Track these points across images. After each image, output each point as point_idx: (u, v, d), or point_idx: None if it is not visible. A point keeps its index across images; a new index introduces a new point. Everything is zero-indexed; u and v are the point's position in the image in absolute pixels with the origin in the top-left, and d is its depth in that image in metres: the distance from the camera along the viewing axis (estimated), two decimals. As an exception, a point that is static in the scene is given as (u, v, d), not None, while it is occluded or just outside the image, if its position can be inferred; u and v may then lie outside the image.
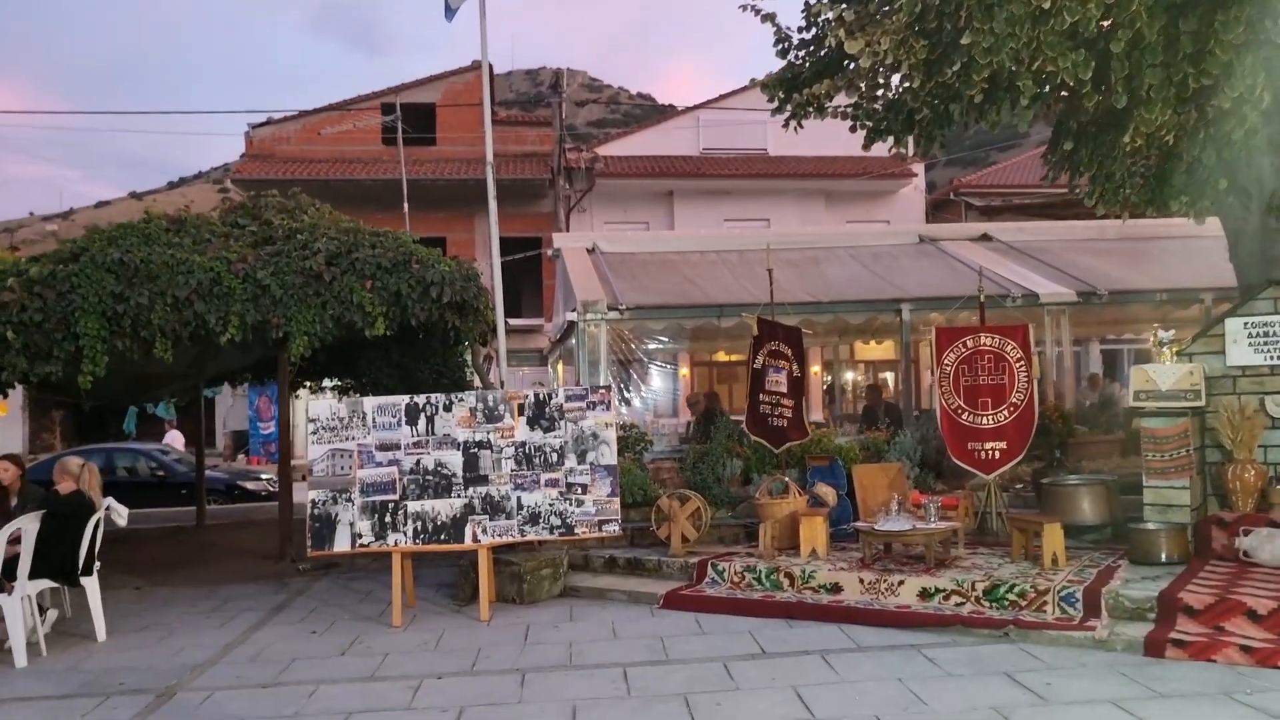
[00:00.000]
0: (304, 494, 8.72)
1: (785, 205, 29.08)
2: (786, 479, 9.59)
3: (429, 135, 28.95)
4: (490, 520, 8.19)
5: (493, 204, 11.15)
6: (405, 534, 8.13)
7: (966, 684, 5.91)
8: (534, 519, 8.22)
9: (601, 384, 8.71)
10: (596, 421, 8.46)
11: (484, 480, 8.28)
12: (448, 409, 8.43)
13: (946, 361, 9.54)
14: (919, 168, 32.49)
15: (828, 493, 9.59)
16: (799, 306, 12.02)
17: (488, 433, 8.38)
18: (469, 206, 26.98)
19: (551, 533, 8.22)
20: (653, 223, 29.23)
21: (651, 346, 13.67)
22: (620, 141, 33.36)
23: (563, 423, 8.44)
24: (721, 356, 22.99)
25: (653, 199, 29.85)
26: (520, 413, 8.45)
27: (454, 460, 8.31)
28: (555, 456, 8.36)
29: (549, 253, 14.48)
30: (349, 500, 8.17)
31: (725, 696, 5.86)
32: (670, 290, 12.99)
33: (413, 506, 8.19)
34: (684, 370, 25.80)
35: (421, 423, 8.38)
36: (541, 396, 8.52)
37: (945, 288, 12.83)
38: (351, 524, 8.12)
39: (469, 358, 11.29)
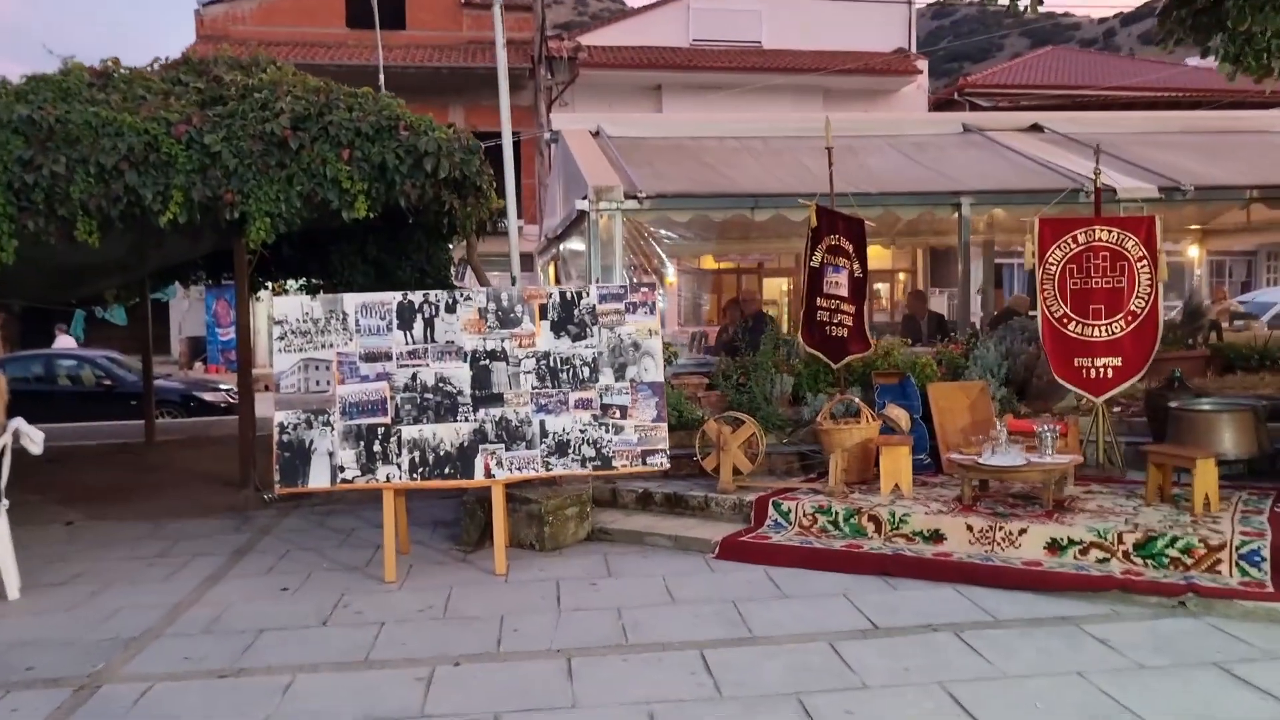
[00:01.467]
0: (269, 407, 6.98)
1: (781, 102, 27.02)
2: (856, 400, 7.98)
3: (398, 18, 26.51)
4: (507, 450, 6.51)
5: (503, 79, 9.19)
6: (399, 467, 6.44)
7: (1170, 681, 4.40)
8: (561, 449, 6.56)
9: (644, 282, 7.00)
10: (638, 328, 6.75)
11: (498, 400, 6.57)
12: (451, 310, 6.67)
13: (1051, 260, 7.89)
14: (923, 64, 30.60)
15: (900, 416, 8.00)
16: (843, 199, 10.32)
17: (502, 340, 6.65)
18: (443, 97, 24.78)
19: (584, 466, 6.57)
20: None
21: (673, 244, 11.89)
22: (603, 31, 31.02)
23: (596, 329, 6.72)
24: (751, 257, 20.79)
25: (639, 93, 27.78)
26: (542, 316, 6.71)
27: (460, 375, 6.59)
28: (587, 371, 6.66)
29: (545, 136, 12.58)
30: (327, 424, 6.45)
31: (853, 700, 4.30)
32: (694, 178, 11.18)
33: (408, 432, 6.48)
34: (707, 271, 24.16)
35: (418, 327, 6.62)
36: (569, 296, 6.78)
37: (1007, 180, 11.20)
38: (331, 454, 6.42)
39: (467, 255, 9.46)
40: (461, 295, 6.70)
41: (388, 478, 6.42)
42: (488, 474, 6.48)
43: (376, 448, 6.45)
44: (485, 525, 7.19)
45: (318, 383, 6.51)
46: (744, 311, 11.74)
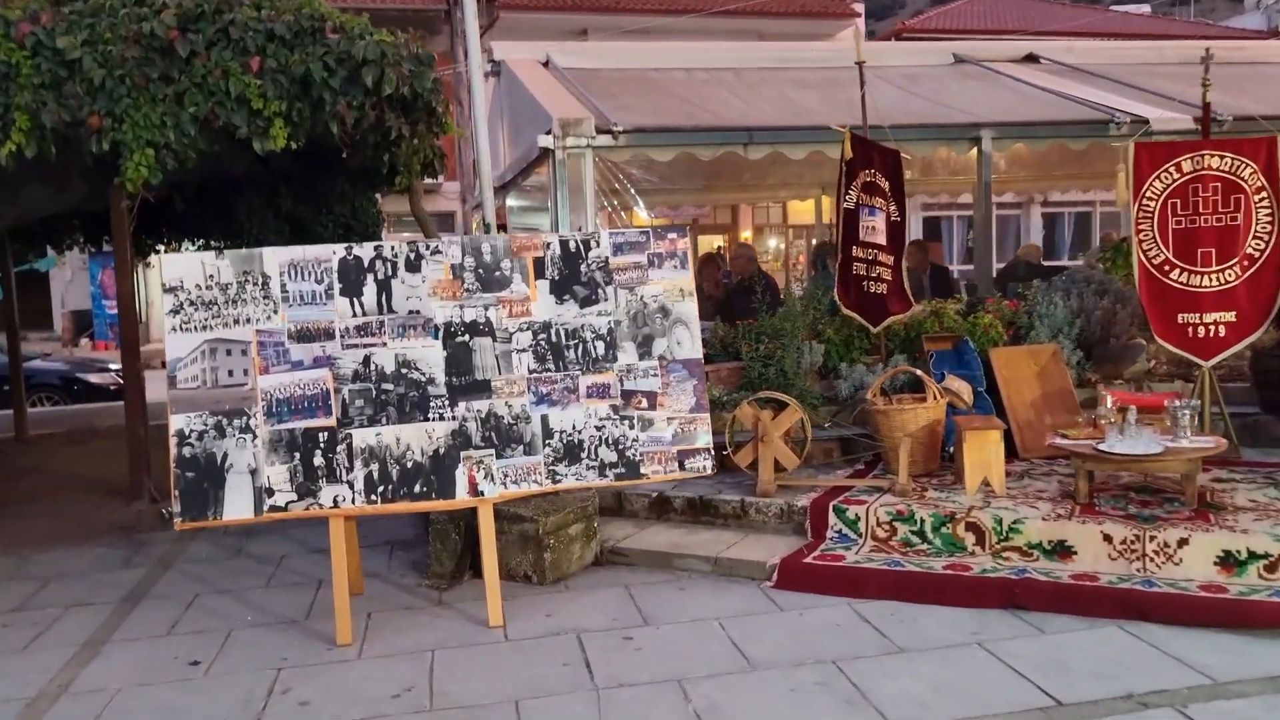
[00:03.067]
0: (165, 391, 5.12)
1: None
2: (917, 371, 6.43)
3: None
4: (498, 458, 4.78)
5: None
6: (351, 486, 4.66)
7: None
8: (570, 453, 4.85)
9: (672, 230, 5.29)
10: (666, 287, 5.06)
11: (483, 390, 4.83)
12: (414, 267, 4.88)
13: (1149, 195, 6.42)
14: (860, 6, 29.32)
15: (962, 389, 6.49)
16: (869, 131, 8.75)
17: (485, 308, 4.90)
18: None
19: (602, 475, 4.88)
20: (571, 62, 25.21)
21: (650, 191, 10.16)
22: (525, -31, 28.92)
23: (611, 290, 5.01)
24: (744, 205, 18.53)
25: (563, 38, 25.80)
26: (538, 274, 4.97)
27: (430, 356, 4.82)
28: (601, 347, 4.95)
29: (486, 68, 10.65)
30: (246, 430, 4.62)
31: None
32: (672, 111, 9.48)
33: (362, 437, 4.70)
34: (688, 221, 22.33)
35: (369, 292, 4.82)
36: (573, 245, 5.04)
37: (1026, 111, 9.79)
38: (253, 471, 4.60)
39: (411, 203, 7.58)
40: (427, 248, 4.91)
41: (336, 501, 4.63)
42: (473, 491, 4.74)
43: (318, 460, 4.65)
44: (462, 551, 5.47)
45: (230, 373, 4.67)
46: (736, 271, 10.07)
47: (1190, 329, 6.37)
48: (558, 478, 4.83)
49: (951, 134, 9.36)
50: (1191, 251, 6.35)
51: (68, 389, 15.89)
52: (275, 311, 4.73)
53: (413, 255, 4.88)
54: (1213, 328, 6.34)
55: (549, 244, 5.01)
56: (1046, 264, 12.78)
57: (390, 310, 4.81)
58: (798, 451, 6.07)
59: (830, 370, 7.25)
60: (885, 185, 7.24)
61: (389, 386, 4.76)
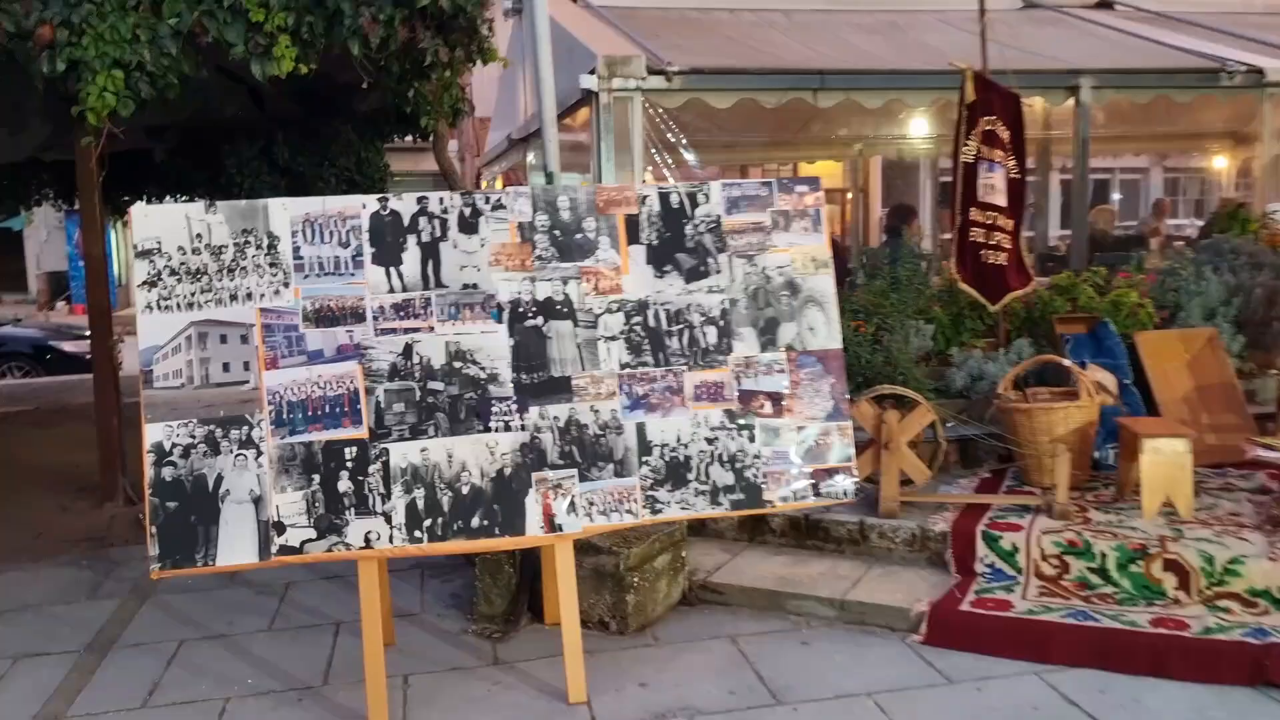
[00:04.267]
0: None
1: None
2: (1065, 361, 5.28)
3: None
4: (581, 480, 3.61)
5: None
6: (389, 518, 3.48)
7: None
8: (674, 474, 3.68)
9: (802, 182, 4.08)
10: (795, 256, 3.88)
11: (562, 390, 3.65)
12: (469, 226, 3.68)
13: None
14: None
15: (1107, 381, 5.36)
16: (939, 77, 7.56)
17: (564, 282, 3.71)
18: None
19: (715, 503, 3.72)
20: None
21: (705, 144, 8.90)
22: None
23: (724, 260, 3.82)
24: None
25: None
26: (631, 238, 3.78)
27: (492, 345, 3.63)
28: (713, 335, 3.78)
29: (507, 4, 9.36)
30: (248, 445, 3.44)
31: None
32: (731, 52, 8.27)
33: (403, 454, 3.52)
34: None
35: (411, 259, 3.62)
36: (675, 200, 3.84)
37: (1127, 59, 8.66)
38: (256, 499, 3.42)
39: (435, 153, 6.35)
40: (487, 200, 3.70)
41: (368, 540, 3.46)
42: (549, 525, 3.58)
43: (344, 485, 3.47)
44: (518, 587, 4.33)
45: (226, 368, 3.48)
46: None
47: (1394, 312, 5.24)
48: (658, 506, 3.67)
49: (1047, 82, 8.14)
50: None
51: (40, 358, 14.63)
52: (286, 284, 3.53)
53: (468, 210, 3.67)
54: None
55: (645, 197, 3.81)
56: (1119, 231, 11.59)
57: (439, 284, 3.62)
58: (926, 460, 4.93)
59: (936, 355, 6.09)
60: (1005, 136, 6.05)
61: (438, 386, 3.57)
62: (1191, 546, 4.13)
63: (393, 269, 3.59)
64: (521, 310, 3.66)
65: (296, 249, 3.55)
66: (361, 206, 3.61)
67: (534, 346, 3.65)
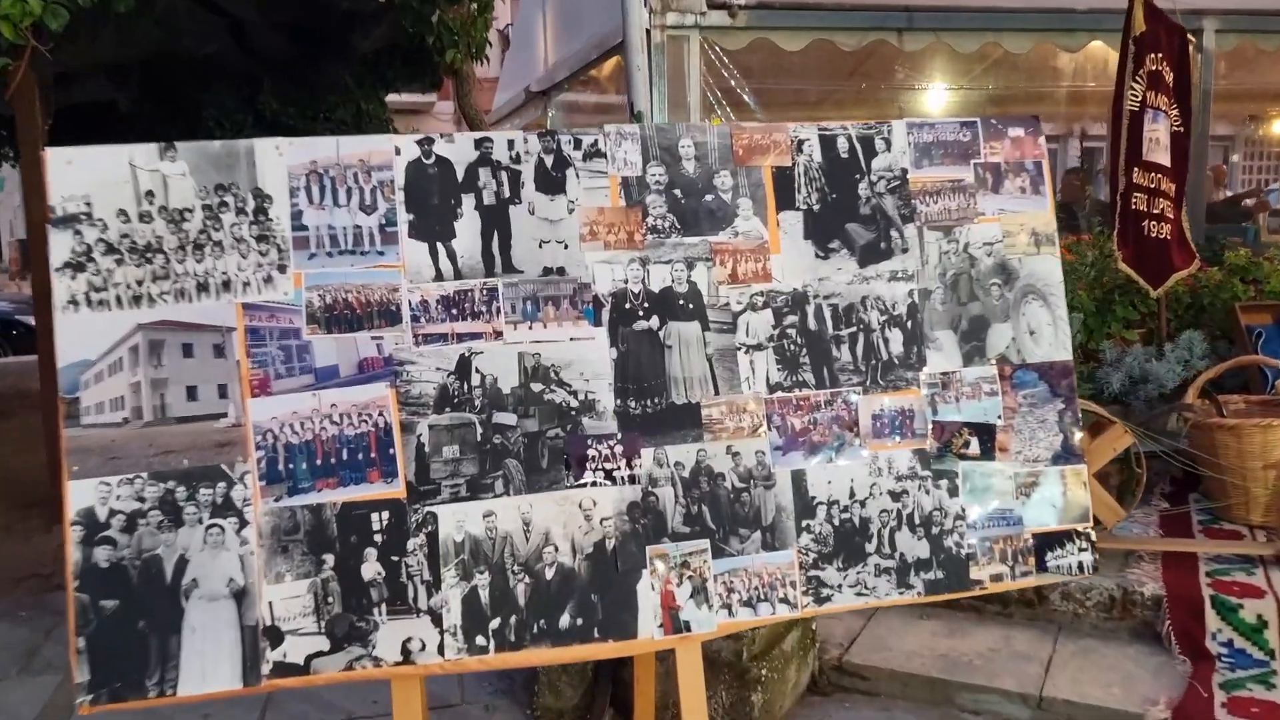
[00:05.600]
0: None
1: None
2: (1276, 361, 4.16)
3: None
4: (716, 556, 2.46)
5: None
6: (439, 619, 2.32)
7: None
8: (845, 544, 2.54)
9: (1017, 122, 2.93)
10: (1012, 228, 2.72)
11: (686, 422, 2.50)
12: (553, 182, 2.49)
13: None
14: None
15: (1310, 388, 4.24)
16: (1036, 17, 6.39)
17: (689, 265, 2.53)
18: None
19: (904, 585, 2.57)
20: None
21: (771, 96, 7.67)
22: None
23: (910, 232, 2.65)
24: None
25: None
26: (783, 200, 2.60)
27: (587, 357, 2.46)
28: (898, 340, 2.62)
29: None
30: (226, 509, 2.26)
31: None
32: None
33: (458, 521, 2.36)
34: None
35: (468, 229, 2.44)
36: (844, 145, 2.66)
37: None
38: (239, 591, 2.25)
39: (458, 100, 5.13)
40: (575, 143, 2.52)
41: (407, 651, 2.30)
42: (672, 623, 2.43)
43: (370, 570, 2.31)
44: (594, 673, 3.20)
45: (192, 394, 2.30)
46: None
47: None
48: (825, 593, 2.52)
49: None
50: None
51: (6, 334, 13.44)
52: (282, 268, 2.35)
53: (550, 158, 2.49)
54: None
55: (802, 141, 2.63)
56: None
57: (509, 267, 2.44)
58: (1116, 494, 3.80)
59: (1080, 350, 4.96)
60: (1170, 79, 4.90)
61: (508, 419, 2.41)
62: None
63: (440, 245, 2.41)
64: (629, 307, 2.49)
65: (297, 215, 2.37)
66: (394, 151, 2.42)
67: (646, 360, 2.49)
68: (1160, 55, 4.80)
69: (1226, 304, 4.83)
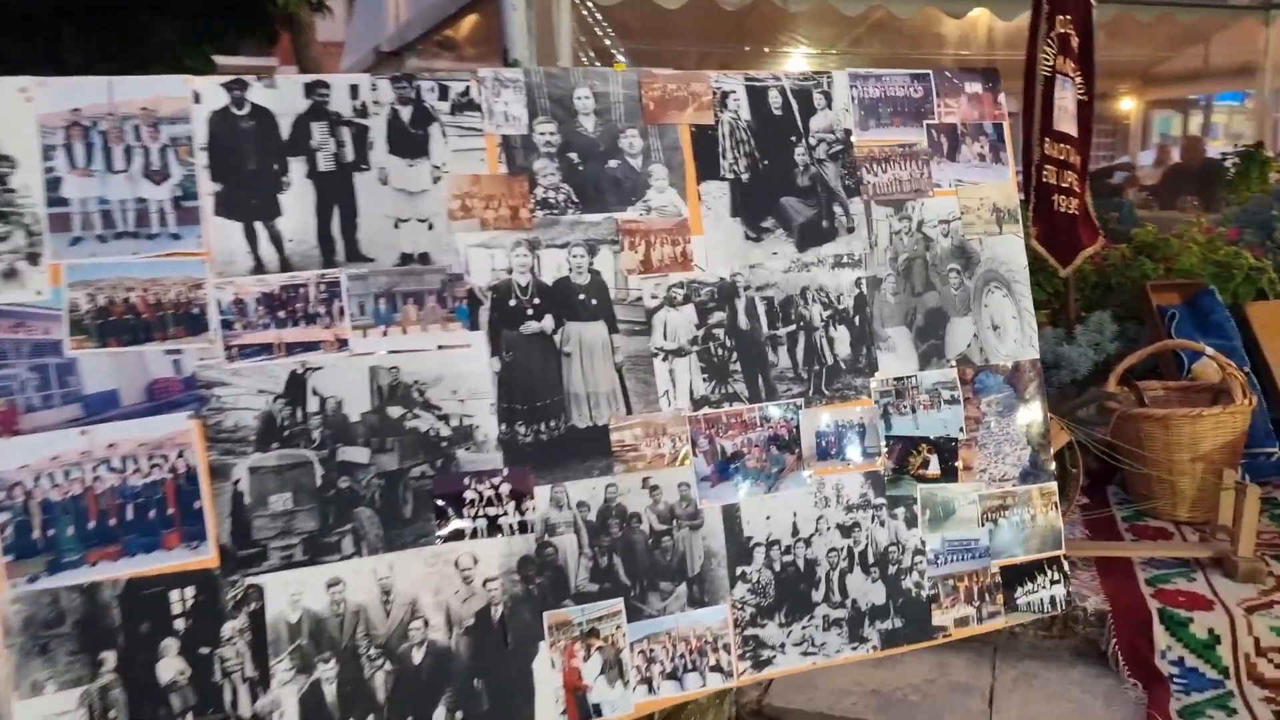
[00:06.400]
0: None
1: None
2: (1207, 350, 3.90)
3: None
4: (631, 616, 1.94)
5: None
6: (267, 730, 1.73)
7: None
8: (790, 594, 2.06)
9: (974, 74, 2.49)
10: (970, 202, 2.27)
11: (589, 449, 1.96)
12: (413, 141, 1.90)
13: None
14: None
15: (1232, 370, 4.02)
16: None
17: (588, 249, 1.99)
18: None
19: (858, 639, 2.12)
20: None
21: (650, 55, 7.12)
22: None
23: (856, 208, 2.17)
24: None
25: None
26: (705, 168, 2.08)
27: (461, 371, 1.89)
28: (844, 339, 2.15)
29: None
30: (-45, 596, 1.61)
31: None
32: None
33: (290, 594, 1.76)
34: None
35: (299, 201, 1.83)
36: (778, 98, 2.15)
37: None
38: (-20, 710, 1.61)
39: (298, 55, 4.42)
40: (440, 92, 1.93)
41: (224, 779, 1.70)
42: (578, 708, 1.90)
43: (170, 670, 1.69)
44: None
45: (-103, 438, 1.63)
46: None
47: None
48: (765, 655, 2.04)
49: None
50: None
51: None
52: (31, 257, 1.69)
53: (408, 110, 1.90)
54: None
55: (726, 95, 2.11)
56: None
57: (355, 255, 1.85)
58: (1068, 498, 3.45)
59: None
60: (1076, 44, 4.60)
61: (358, 455, 1.82)
62: None
63: (260, 226, 1.80)
64: (515, 305, 1.93)
65: (54, 184, 1.71)
66: (191, 97, 1.79)
67: (538, 372, 1.93)
68: (1069, 17, 4.48)
69: (1136, 283, 4.59)
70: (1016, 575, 2.24)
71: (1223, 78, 10.70)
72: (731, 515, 2.03)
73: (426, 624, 1.83)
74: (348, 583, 1.80)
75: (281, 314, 1.79)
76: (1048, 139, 4.39)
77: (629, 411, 1.98)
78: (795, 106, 2.15)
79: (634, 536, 1.97)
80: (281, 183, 1.81)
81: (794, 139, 2.14)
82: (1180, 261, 4.58)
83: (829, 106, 2.18)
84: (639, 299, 2.01)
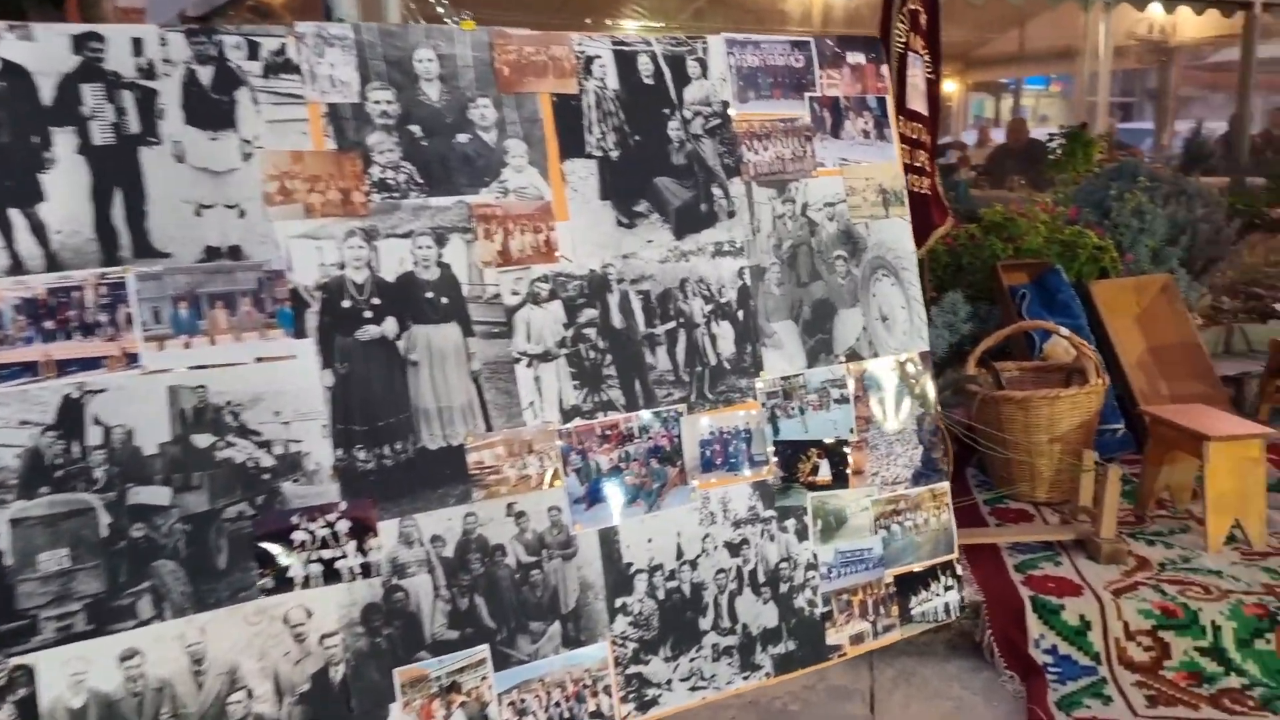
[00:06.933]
0: None
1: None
2: (1061, 330, 3.89)
3: None
4: (499, 664, 1.67)
5: None
6: None
7: None
8: (676, 625, 1.83)
9: (857, 43, 2.23)
10: (856, 183, 2.09)
11: (442, 474, 1.67)
12: (216, 108, 1.55)
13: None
14: None
15: (1084, 349, 4.05)
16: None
17: (435, 238, 1.69)
18: None
19: (749, 668, 1.91)
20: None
21: (480, 24, 6.73)
22: None
23: (739, 190, 1.96)
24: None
25: None
26: (569, 145, 1.81)
27: (284, 387, 1.57)
28: (727, 336, 1.93)
29: None
30: None
31: None
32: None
33: (70, 674, 1.42)
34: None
35: (66, 183, 1.45)
36: (648, 64, 1.90)
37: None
38: None
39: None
40: (250, 51, 1.59)
41: None
42: (438, 776, 1.62)
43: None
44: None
45: None
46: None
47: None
48: (650, 695, 1.81)
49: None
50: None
51: None
52: None
53: (209, 70, 1.55)
54: None
55: (591, 60, 1.85)
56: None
57: (145, 249, 1.49)
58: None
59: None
60: (925, 20, 4.54)
61: (155, 497, 1.48)
62: (1328, 605, 2.86)
63: (16, 213, 1.42)
64: (349, 306, 1.61)
65: None
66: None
67: (380, 385, 1.63)
68: (916, -8, 4.42)
69: (986, 263, 4.60)
70: (911, 584, 2.09)
71: (1042, 61, 11.12)
72: (609, 540, 1.79)
73: (250, 695, 1.51)
74: (147, 654, 1.46)
75: (49, 324, 1.43)
76: (901, 118, 4.31)
77: (489, 428, 1.70)
78: (668, 75, 1.91)
79: (498, 572, 1.69)
80: (43, 159, 1.44)
81: (667, 111, 1.90)
82: (1027, 241, 4.60)
83: (704, 75, 1.95)
84: (497, 296, 1.73)
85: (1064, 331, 3.82)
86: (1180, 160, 8.42)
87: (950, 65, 13.33)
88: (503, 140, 1.75)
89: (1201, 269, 4.98)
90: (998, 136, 12.69)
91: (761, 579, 1.92)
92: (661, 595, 1.82)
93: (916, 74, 4.48)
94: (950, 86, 15.58)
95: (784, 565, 1.94)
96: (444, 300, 1.68)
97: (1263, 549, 3.28)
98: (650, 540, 1.82)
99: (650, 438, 1.83)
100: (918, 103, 4.48)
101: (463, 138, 1.72)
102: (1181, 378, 4.50)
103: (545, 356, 1.75)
